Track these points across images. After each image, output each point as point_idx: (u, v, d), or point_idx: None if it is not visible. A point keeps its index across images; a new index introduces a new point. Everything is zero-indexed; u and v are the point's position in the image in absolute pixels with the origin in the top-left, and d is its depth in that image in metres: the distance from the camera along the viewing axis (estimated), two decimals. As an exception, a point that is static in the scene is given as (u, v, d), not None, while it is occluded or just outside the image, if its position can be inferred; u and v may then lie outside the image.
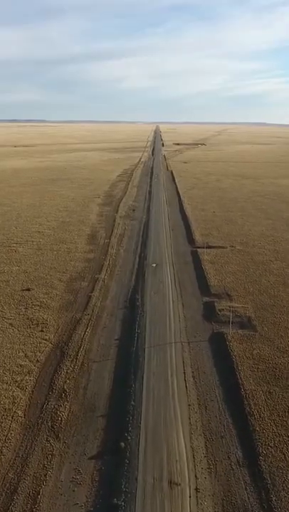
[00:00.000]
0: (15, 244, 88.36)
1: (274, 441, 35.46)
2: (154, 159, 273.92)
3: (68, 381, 43.59)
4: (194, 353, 49.05)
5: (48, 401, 40.63)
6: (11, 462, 33.39)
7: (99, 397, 41.42)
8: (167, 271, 75.06)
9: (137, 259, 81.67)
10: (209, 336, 53.02)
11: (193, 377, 44.57)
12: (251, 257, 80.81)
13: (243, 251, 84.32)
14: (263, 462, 33.41)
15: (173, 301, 62.26)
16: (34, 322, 55.53)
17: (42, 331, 53.51)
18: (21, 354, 48.20)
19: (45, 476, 32.24)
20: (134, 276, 72.50)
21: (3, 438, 35.65)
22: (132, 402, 40.20)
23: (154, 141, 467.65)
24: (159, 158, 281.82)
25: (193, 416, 38.71)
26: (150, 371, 45.18)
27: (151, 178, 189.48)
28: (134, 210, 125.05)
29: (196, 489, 31.03)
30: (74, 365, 46.34)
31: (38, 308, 59.41)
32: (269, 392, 41.43)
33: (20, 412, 38.89)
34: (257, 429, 36.82)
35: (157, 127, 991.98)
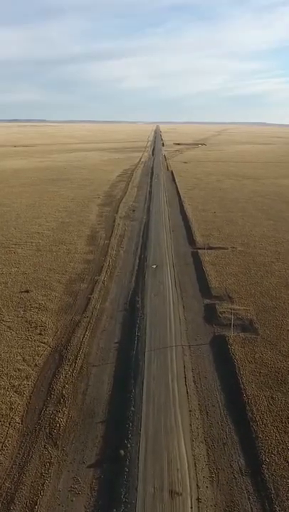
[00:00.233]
0: (14, 246, 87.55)
1: (277, 448, 34.61)
2: (154, 159, 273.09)
3: (67, 386, 42.75)
4: (195, 357, 48.21)
5: (46, 406, 39.78)
6: (8, 471, 32.53)
7: (98, 403, 40.57)
8: (167, 272, 74.23)
9: (137, 260, 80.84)
10: (210, 339, 52.18)
11: (194, 381, 43.71)
12: (252, 258, 79.97)
13: (244, 252, 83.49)
14: (266, 471, 32.55)
15: (173, 303, 61.43)
16: (33, 325, 54.69)
17: (40, 334, 52.69)
18: (19, 358, 47.38)
19: (42, 485, 31.37)
20: (134, 278, 71.67)
21: (0, 445, 34.81)
22: (132, 408, 39.36)
23: (155, 141, 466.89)
24: (159, 158, 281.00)
25: (195, 422, 37.86)
26: (150, 375, 44.34)
27: (151, 178, 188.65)
28: (134, 211, 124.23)
29: (198, 499, 30.17)
30: (73, 370, 45.51)
31: (36, 310, 58.59)
32: (272, 398, 40.58)
33: (17, 418, 38.04)
34: (260, 435, 35.97)
35: (157, 127, 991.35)
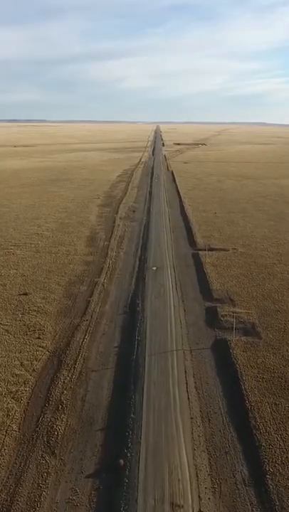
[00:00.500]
0: (13, 247, 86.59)
1: (281, 458, 33.64)
2: (154, 159, 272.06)
3: (66, 392, 41.79)
4: (196, 362, 47.25)
5: (44, 413, 38.81)
6: (4, 481, 31.57)
7: (97, 409, 39.61)
8: (168, 274, 73.27)
9: (137, 262, 79.90)
10: (212, 343, 51.21)
11: (196, 387, 42.74)
12: (254, 259, 79.01)
13: (246, 253, 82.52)
14: (270, 481, 31.60)
15: (174, 306, 60.47)
16: (31, 328, 53.76)
17: (39, 337, 51.74)
18: (17, 363, 46.43)
19: (39, 496, 30.40)
20: (134, 280, 70.72)
21: (-4, 454, 33.88)
22: (132, 415, 38.40)
23: (155, 141, 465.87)
24: (159, 158, 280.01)
25: (196, 430, 36.90)
26: (151, 381, 43.37)
27: (151, 178, 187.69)
28: (134, 212, 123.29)
29: (200, 511, 29.23)
30: (72, 375, 44.55)
31: (35, 313, 57.65)
32: (275, 404, 39.62)
33: (14, 426, 37.07)
34: (263, 444, 35.02)
35: (158, 127, 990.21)
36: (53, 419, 38.04)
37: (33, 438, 35.86)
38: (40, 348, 49.31)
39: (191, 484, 31.35)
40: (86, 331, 53.38)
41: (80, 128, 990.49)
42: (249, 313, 57.43)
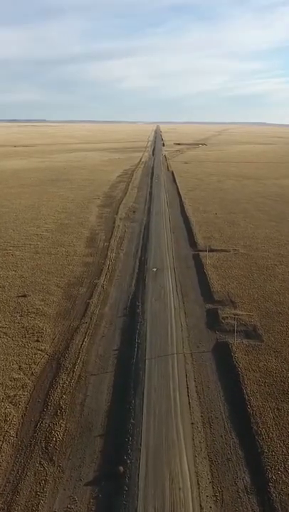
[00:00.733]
0: (11, 248, 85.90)
1: (284, 465, 32.95)
2: (154, 159, 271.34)
3: (64, 396, 41.09)
4: (197, 365, 46.54)
5: (43, 419, 38.10)
6: (1, 489, 30.85)
7: (96, 415, 38.91)
8: (168, 276, 72.57)
9: (137, 263, 79.19)
10: (213, 346, 50.51)
11: (197, 392, 42.03)
12: (255, 261, 78.30)
13: (247, 255, 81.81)
14: (272, 489, 30.89)
15: (174, 309, 59.76)
16: (30, 331, 53.07)
17: (38, 340, 51.04)
18: (15, 366, 45.73)
19: (37, 505, 29.70)
20: (134, 282, 70.02)
21: (-7, 461, 33.19)
22: (132, 420, 37.70)
23: (155, 141, 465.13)
24: (159, 158, 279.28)
25: (197, 436, 36.19)
26: (151, 385, 42.65)
27: (151, 178, 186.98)
28: (134, 212, 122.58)
29: (201, 521, 28.58)
30: (71, 379, 43.85)
31: (33, 315, 56.96)
32: (277, 409, 38.92)
33: (12, 432, 36.37)
34: (265, 450, 34.32)
35: (158, 127, 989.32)
36: (51, 424, 37.34)
37: (30, 444, 35.16)
38: (39, 351, 48.62)
39: (192, 492, 30.65)
40: (85, 334, 52.70)
41: (80, 128, 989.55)
42: (250, 315, 56.73)
